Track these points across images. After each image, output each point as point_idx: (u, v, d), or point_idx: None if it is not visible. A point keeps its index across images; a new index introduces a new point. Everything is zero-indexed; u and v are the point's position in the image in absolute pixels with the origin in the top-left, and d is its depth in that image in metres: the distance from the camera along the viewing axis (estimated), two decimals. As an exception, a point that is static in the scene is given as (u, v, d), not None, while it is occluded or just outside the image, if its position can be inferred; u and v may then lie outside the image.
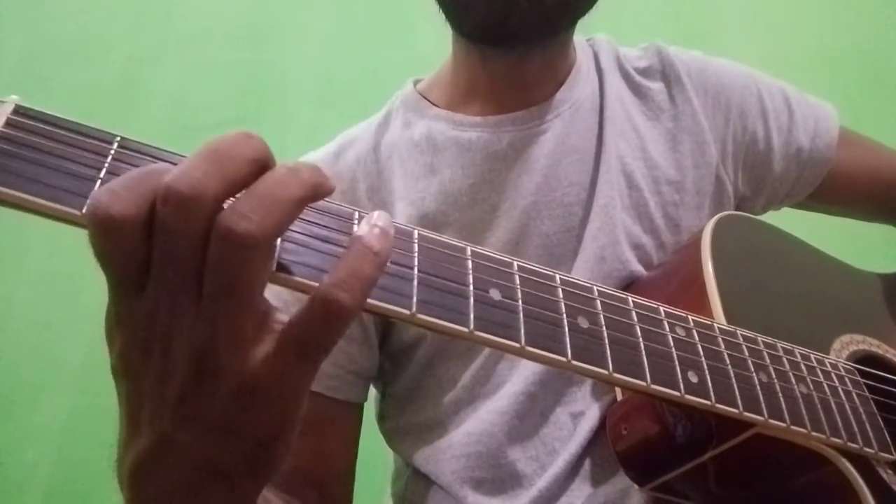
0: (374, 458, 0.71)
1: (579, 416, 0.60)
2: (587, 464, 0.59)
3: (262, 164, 0.30)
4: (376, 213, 0.33)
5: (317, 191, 0.31)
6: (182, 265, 0.29)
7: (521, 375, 0.61)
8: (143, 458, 0.33)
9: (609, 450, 0.56)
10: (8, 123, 0.30)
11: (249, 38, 1.47)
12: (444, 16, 0.65)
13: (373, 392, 0.72)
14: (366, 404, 0.69)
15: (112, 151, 0.31)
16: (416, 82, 0.74)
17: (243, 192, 0.30)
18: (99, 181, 0.30)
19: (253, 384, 0.31)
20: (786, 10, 1.50)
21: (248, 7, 1.49)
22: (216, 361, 0.30)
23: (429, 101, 0.70)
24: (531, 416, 0.61)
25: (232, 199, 0.30)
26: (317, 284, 0.31)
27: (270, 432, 0.33)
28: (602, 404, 0.60)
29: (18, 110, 0.30)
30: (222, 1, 1.50)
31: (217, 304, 0.30)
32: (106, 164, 0.31)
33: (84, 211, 0.29)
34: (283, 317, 0.32)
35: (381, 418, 0.71)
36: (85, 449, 1.13)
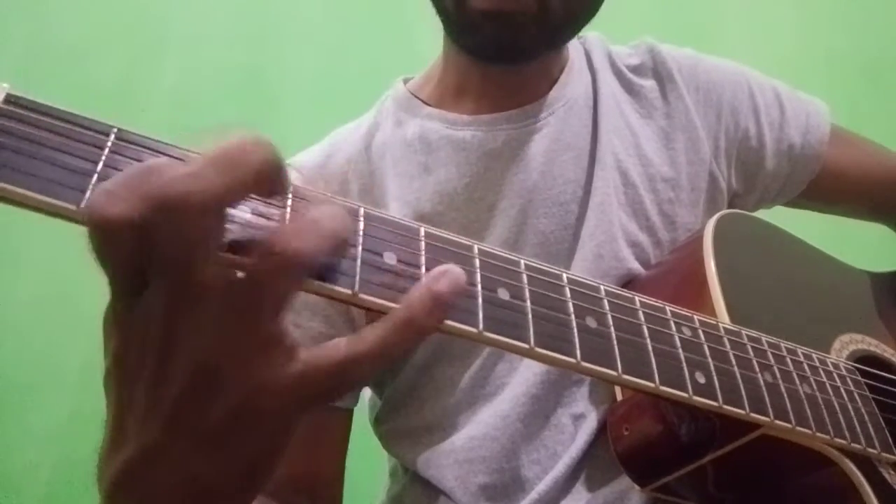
0: (369, 461, 0.70)
1: (580, 418, 0.60)
2: (587, 467, 0.59)
3: (272, 172, 0.29)
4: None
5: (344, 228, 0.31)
6: (184, 272, 0.28)
7: (521, 377, 0.61)
8: (128, 467, 0.31)
9: (609, 452, 0.56)
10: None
11: (249, 40, 1.45)
12: (446, 30, 0.65)
13: (367, 394, 0.71)
14: (362, 407, 0.67)
15: (109, 143, 0.30)
16: (405, 81, 0.73)
17: (291, 217, 0.29)
18: (95, 175, 0.29)
19: (254, 405, 0.30)
20: (786, 11, 1.50)
21: (247, 8, 1.48)
22: (220, 375, 0.29)
23: (420, 99, 0.69)
24: (534, 419, 0.60)
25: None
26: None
27: (262, 453, 0.32)
28: (602, 405, 0.59)
29: (10, 99, 0.29)
30: (222, 2, 1.48)
31: (232, 318, 0.29)
32: (103, 157, 0.29)
33: (81, 211, 0.28)
34: (297, 341, 0.30)
35: (377, 421, 0.69)
36: (85, 450, 1.11)
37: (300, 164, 0.68)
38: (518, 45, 0.61)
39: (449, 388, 0.63)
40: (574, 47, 0.72)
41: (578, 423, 0.60)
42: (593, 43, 0.73)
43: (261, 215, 0.31)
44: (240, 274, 0.29)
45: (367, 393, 0.71)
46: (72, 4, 1.43)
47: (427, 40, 0.68)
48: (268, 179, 0.29)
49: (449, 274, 0.32)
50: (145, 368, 0.30)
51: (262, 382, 0.30)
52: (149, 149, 0.30)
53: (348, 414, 0.66)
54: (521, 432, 0.60)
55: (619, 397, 0.57)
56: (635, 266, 0.63)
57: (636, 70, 0.72)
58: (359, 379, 0.31)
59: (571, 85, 0.68)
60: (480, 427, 0.61)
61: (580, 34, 0.74)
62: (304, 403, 0.31)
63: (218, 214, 0.28)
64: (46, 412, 1.23)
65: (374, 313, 0.33)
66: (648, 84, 0.71)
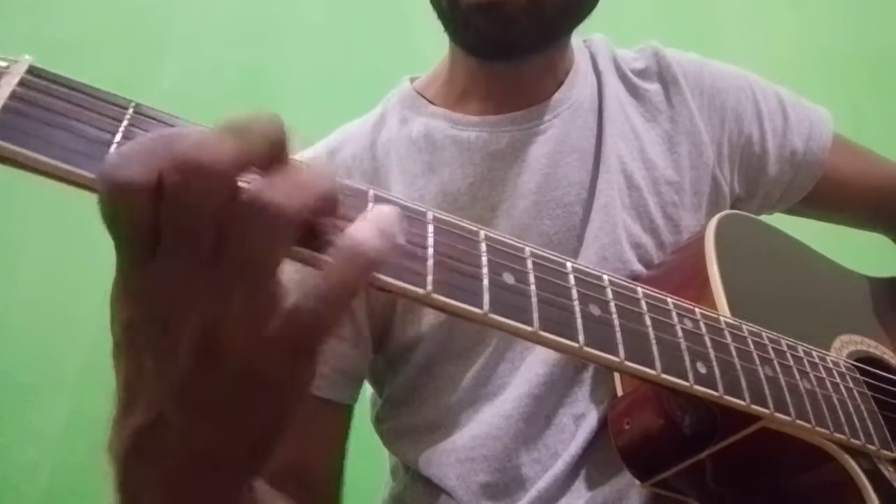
0: (369, 461, 0.70)
1: (581, 417, 0.60)
2: (587, 465, 0.59)
3: (283, 144, 0.30)
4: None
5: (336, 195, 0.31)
6: (194, 235, 0.28)
7: (523, 377, 0.61)
8: (137, 438, 0.32)
9: (608, 451, 0.56)
10: (22, 83, 0.29)
11: (249, 39, 1.46)
12: (444, 29, 0.65)
13: (369, 392, 0.71)
14: (363, 406, 0.67)
15: (128, 116, 0.30)
16: (412, 80, 0.74)
17: (281, 170, 0.29)
18: (114, 145, 0.29)
19: (259, 366, 0.30)
20: (787, 12, 1.51)
21: (247, 8, 1.49)
22: (223, 339, 0.29)
23: (426, 98, 0.70)
24: (536, 419, 0.60)
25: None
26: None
27: (268, 425, 0.32)
28: (602, 405, 0.59)
29: (32, 70, 0.30)
30: (222, 1, 1.49)
31: (233, 279, 0.29)
32: (121, 129, 0.30)
33: (98, 177, 0.28)
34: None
35: (378, 419, 0.69)
36: (84, 451, 1.11)
37: (305, 160, 0.69)
38: (510, 38, 0.61)
39: (451, 386, 0.63)
40: (579, 50, 0.72)
41: (579, 422, 0.60)
42: (599, 46, 0.74)
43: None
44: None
45: (368, 391, 0.71)
46: (72, 4, 1.44)
47: (427, 40, 0.69)
48: (279, 147, 0.29)
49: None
50: (155, 336, 0.30)
51: (263, 340, 0.30)
52: (165, 123, 0.31)
53: (344, 409, 0.65)
54: (522, 432, 0.60)
55: (620, 393, 0.57)
56: (639, 268, 0.63)
57: (641, 74, 0.72)
58: (334, 316, 0.30)
59: (577, 87, 0.69)
60: (482, 426, 0.61)
61: (586, 38, 0.75)
62: (298, 357, 0.31)
63: (232, 179, 0.28)
64: (46, 412, 1.23)
65: (381, 293, 0.34)
66: (653, 88, 0.71)
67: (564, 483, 0.59)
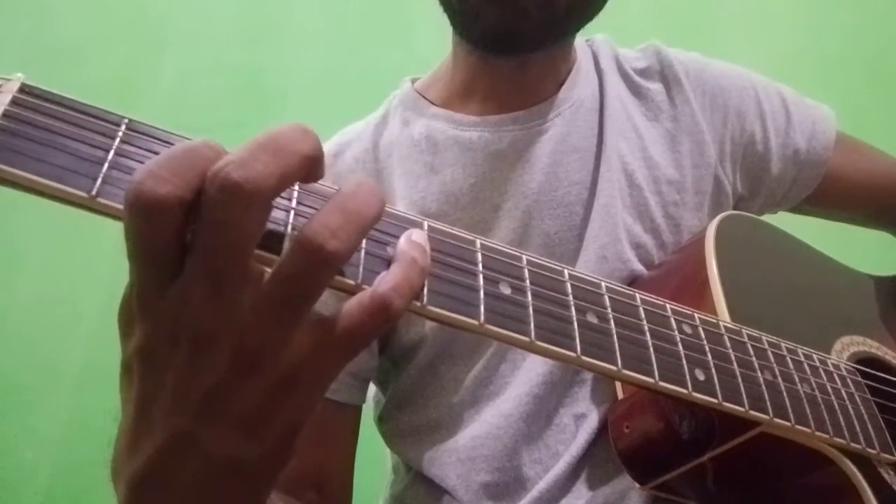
0: (373, 460, 0.70)
1: (581, 418, 0.60)
2: (588, 465, 0.59)
3: (317, 162, 0.30)
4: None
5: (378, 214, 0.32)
6: (231, 256, 0.28)
7: (525, 377, 0.61)
8: (155, 458, 0.31)
9: (609, 451, 0.56)
10: (14, 102, 0.29)
11: (248, 40, 1.46)
12: (451, 22, 0.65)
13: (371, 392, 0.71)
14: (365, 405, 0.68)
15: (120, 133, 0.30)
16: (413, 81, 0.73)
17: (330, 203, 0.29)
18: (107, 163, 0.29)
19: (294, 378, 0.30)
20: (787, 12, 1.51)
21: (246, 8, 1.49)
22: (262, 358, 0.29)
23: (427, 99, 0.70)
24: (537, 419, 0.60)
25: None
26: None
27: (292, 425, 0.32)
28: (603, 405, 0.59)
29: (24, 88, 0.29)
30: (222, 1, 1.49)
31: (280, 306, 0.29)
32: (114, 147, 0.30)
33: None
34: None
35: (381, 419, 0.70)
36: (84, 452, 1.12)
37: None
38: (520, 31, 0.60)
39: (453, 386, 0.63)
40: (582, 49, 0.72)
41: (580, 422, 0.60)
42: (601, 45, 0.74)
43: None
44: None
45: (371, 391, 0.71)
46: (72, 4, 1.44)
47: (427, 41, 0.69)
48: (315, 163, 0.29)
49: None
50: (177, 356, 0.29)
51: (300, 355, 0.30)
52: (159, 139, 0.31)
53: (355, 410, 0.66)
54: (523, 432, 0.60)
55: (620, 396, 0.57)
56: (639, 268, 0.63)
57: (643, 73, 0.72)
58: (375, 330, 0.31)
59: (579, 87, 0.69)
60: (483, 426, 0.61)
61: (588, 37, 0.74)
62: (333, 366, 0.31)
63: (269, 201, 0.28)
64: (46, 413, 1.24)
65: None
66: (655, 87, 0.71)
67: (565, 483, 0.59)
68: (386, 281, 0.31)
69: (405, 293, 0.31)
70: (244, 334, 0.29)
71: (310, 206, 0.32)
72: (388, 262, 0.33)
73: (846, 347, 0.57)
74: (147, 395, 0.31)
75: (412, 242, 0.34)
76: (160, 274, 0.29)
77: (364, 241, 0.33)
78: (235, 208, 0.27)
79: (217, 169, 0.27)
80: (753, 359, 0.46)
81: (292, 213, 0.32)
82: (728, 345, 0.46)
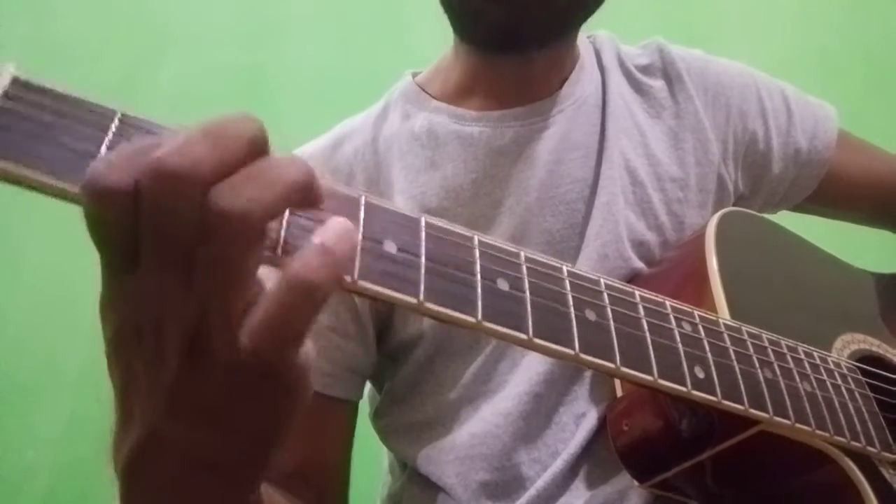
0: (370, 458, 0.70)
1: (581, 416, 0.60)
2: (586, 464, 0.59)
3: (261, 146, 0.29)
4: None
5: (313, 183, 0.30)
6: (171, 242, 0.28)
7: (524, 375, 0.60)
8: (136, 452, 0.32)
9: (608, 450, 0.56)
10: (5, 95, 0.29)
11: (249, 39, 1.46)
12: (452, 25, 0.64)
13: (367, 388, 0.71)
14: (361, 402, 0.67)
15: (113, 126, 0.30)
16: (414, 75, 0.73)
17: (240, 171, 0.28)
18: (99, 157, 0.29)
19: (243, 366, 0.29)
20: (787, 12, 1.51)
21: (247, 8, 1.49)
22: (207, 342, 0.29)
23: (428, 93, 0.69)
24: (536, 418, 0.60)
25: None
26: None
27: (265, 424, 0.32)
28: (602, 404, 0.59)
29: (16, 81, 0.29)
30: (222, 1, 1.49)
31: (207, 282, 0.28)
32: (106, 140, 0.29)
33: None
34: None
35: (378, 416, 0.69)
36: (84, 452, 1.12)
37: (308, 154, 0.68)
38: (522, 29, 0.60)
39: (450, 383, 0.63)
40: (584, 46, 0.72)
41: (579, 421, 0.60)
42: (604, 42, 0.73)
43: None
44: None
45: (366, 387, 0.71)
46: (72, 4, 1.44)
47: (426, 39, 0.69)
48: (258, 152, 0.29)
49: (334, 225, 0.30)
50: (143, 347, 0.29)
51: (246, 344, 0.29)
52: (152, 132, 0.31)
53: (352, 406, 0.66)
54: (522, 430, 0.60)
55: (619, 394, 0.57)
56: (640, 265, 0.63)
57: (645, 70, 0.72)
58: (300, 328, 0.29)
59: (581, 84, 0.68)
60: (482, 424, 0.61)
61: (590, 34, 0.74)
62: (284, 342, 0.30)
63: (207, 184, 0.27)
64: (46, 413, 1.24)
65: (376, 302, 0.33)
66: (657, 84, 0.70)
67: (564, 482, 0.58)
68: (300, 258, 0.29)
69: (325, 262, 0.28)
70: (191, 322, 0.29)
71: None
72: (384, 259, 0.33)
73: (847, 345, 0.57)
74: (125, 384, 0.31)
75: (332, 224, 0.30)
76: (119, 264, 0.28)
77: (360, 237, 0.33)
78: (170, 195, 0.27)
79: (158, 155, 0.27)
80: (753, 356, 0.46)
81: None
82: (728, 342, 0.46)
